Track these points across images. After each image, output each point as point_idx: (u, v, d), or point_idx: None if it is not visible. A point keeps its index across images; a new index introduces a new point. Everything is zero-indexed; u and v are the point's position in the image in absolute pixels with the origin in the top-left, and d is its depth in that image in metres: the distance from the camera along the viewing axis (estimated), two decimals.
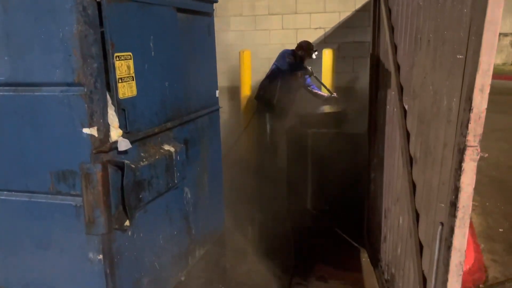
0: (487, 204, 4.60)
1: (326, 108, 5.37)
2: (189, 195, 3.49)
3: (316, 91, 5.65)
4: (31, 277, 2.79)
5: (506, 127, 7.52)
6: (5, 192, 2.68)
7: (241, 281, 3.42)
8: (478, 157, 1.66)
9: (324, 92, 5.59)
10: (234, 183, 5.00)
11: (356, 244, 3.82)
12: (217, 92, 4.00)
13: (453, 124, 1.83)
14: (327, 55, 5.82)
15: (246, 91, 6.15)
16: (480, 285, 3.22)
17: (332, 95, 5.52)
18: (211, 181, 3.89)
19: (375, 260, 3.33)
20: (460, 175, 1.69)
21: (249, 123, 6.06)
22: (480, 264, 3.51)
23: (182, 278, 3.43)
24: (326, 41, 6.23)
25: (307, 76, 5.57)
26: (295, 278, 3.35)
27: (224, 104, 5.35)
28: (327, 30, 6.12)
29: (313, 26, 6.09)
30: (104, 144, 2.48)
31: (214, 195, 3.98)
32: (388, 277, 2.97)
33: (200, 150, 3.67)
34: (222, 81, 6.58)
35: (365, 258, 3.60)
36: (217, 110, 4.02)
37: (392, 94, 2.92)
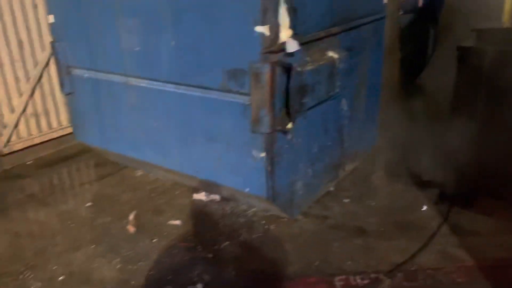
0: None
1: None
2: (345, 107, 3.38)
3: None
4: (200, 166, 3.10)
5: None
6: (183, 87, 2.93)
7: (392, 199, 3.31)
8: None
9: None
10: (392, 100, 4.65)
11: None
12: None
13: None
14: None
15: None
16: None
17: None
18: (368, 95, 3.70)
19: None
20: None
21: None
22: None
23: (331, 188, 3.47)
24: None
25: None
26: (454, 208, 3.10)
27: None
28: None
29: None
30: (274, 44, 2.47)
31: (370, 111, 3.80)
32: None
33: (361, 60, 3.46)
34: None
35: None
36: (383, 18, 3.67)
37: None
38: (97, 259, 2.76)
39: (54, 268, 2.69)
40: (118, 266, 2.68)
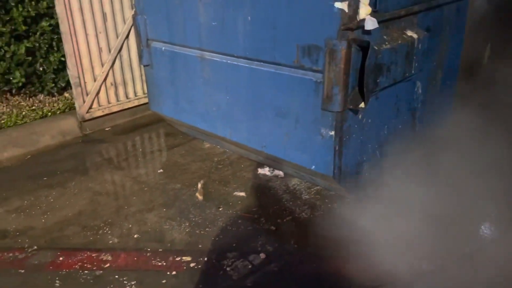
0: None
1: None
2: (420, 90, 3.27)
3: None
4: (267, 141, 3.16)
5: None
6: (256, 62, 2.98)
7: (462, 188, 3.17)
8: None
9: None
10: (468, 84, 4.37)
11: None
12: None
13: None
14: None
15: None
16: None
17: None
18: (444, 79, 3.54)
19: None
20: None
21: None
22: None
23: (399, 173, 3.39)
24: None
25: None
26: None
27: None
28: None
29: None
30: (352, 21, 2.43)
31: (445, 95, 3.64)
32: None
33: (440, 42, 3.30)
34: None
35: None
36: None
37: None
38: (168, 221, 2.94)
39: (129, 226, 2.91)
40: (187, 229, 2.85)
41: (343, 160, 2.78)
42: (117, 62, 4.37)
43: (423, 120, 3.45)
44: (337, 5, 2.38)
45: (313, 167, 2.91)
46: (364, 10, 2.44)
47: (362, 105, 2.59)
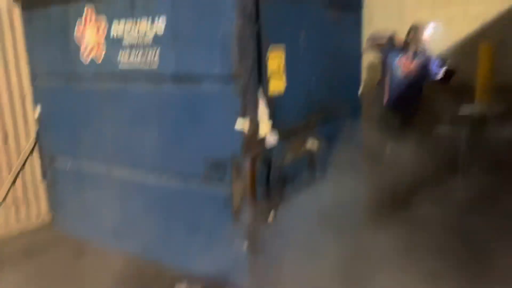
0: None
1: (482, 109, 4.74)
2: (327, 194, 3.42)
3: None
4: (182, 256, 3.03)
5: None
6: (165, 177, 2.96)
7: None
8: None
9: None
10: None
11: None
12: (360, 89, 3.86)
13: None
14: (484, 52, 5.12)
15: None
16: None
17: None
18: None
19: None
20: None
21: None
22: None
23: (319, 275, 3.38)
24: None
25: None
26: None
27: None
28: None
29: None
30: (254, 138, 2.56)
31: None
32: None
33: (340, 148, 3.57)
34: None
35: None
36: (359, 108, 3.87)
37: None
38: None
39: None
40: None
41: (260, 270, 2.73)
42: (19, 180, 4.09)
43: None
44: (238, 125, 2.50)
45: (231, 279, 2.81)
46: (264, 127, 2.60)
47: (271, 216, 2.64)
